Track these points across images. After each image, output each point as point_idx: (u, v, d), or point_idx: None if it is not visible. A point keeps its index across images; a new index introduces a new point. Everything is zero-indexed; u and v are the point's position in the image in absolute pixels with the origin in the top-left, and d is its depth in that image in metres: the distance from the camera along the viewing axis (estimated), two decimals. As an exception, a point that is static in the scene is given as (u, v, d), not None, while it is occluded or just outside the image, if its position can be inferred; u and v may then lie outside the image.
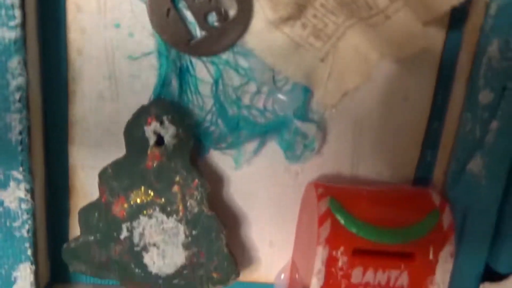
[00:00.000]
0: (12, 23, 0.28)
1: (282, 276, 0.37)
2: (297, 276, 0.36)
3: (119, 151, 0.33)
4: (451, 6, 0.28)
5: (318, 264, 0.30)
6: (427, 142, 0.35)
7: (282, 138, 0.34)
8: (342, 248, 0.31)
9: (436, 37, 0.33)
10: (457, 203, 0.33)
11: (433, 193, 0.33)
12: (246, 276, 0.36)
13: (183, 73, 0.33)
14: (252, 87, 0.34)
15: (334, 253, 0.30)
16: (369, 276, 0.31)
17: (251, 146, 0.35)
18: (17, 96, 0.29)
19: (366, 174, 0.36)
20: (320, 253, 0.30)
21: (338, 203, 0.31)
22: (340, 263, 0.31)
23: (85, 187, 0.35)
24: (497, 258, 0.34)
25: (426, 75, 0.34)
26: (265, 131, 0.34)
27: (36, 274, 0.33)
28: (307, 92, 0.34)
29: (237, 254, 0.35)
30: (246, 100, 0.34)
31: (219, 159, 0.35)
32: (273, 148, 0.35)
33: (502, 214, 0.33)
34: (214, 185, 0.35)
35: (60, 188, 0.34)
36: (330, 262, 0.31)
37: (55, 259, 0.35)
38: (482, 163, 0.32)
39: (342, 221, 0.31)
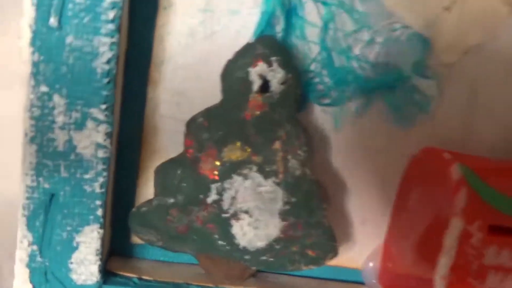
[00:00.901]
0: None
1: (371, 264, 0.33)
2: (390, 265, 0.31)
3: (209, 100, 0.28)
4: None
5: (451, 240, 0.26)
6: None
7: (394, 96, 0.30)
8: (478, 223, 0.26)
9: None
10: None
11: None
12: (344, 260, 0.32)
13: (290, 13, 0.29)
14: (366, 35, 0.29)
15: (469, 228, 0.26)
16: (505, 257, 0.27)
17: (356, 104, 0.30)
18: (111, 15, 0.24)
19: (479, 145, 0.32)
20: (455, 227, 0.26)
21: (471, 171, 0.27)
22: (473, 240, 0.26)
23: (162, 141, 0.29)
24: None
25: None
26: (374, 88, 0.30)
27: (103, 241, 0.27)
28: (427, 44, 0.30)
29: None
30: (356, 50, 0.29)
31: (318, 116, 0.30)
32: (380, 108, 0.30)
33: None
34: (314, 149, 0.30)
35: (131, 138, 0.29)
36: (464, 238, 0.26)
37: (115, 226, 0.30)
38: None
39: (479, 192, 0.27)
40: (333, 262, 0.32)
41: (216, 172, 0.27)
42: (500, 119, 0.32)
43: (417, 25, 0.29)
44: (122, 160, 0.29)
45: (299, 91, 0.28)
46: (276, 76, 0.27)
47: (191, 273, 0.30)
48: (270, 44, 0.27)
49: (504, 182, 0.27)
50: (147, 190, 0.29)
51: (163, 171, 0.28)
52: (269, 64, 0.27)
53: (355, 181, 0.31)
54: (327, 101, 0.30)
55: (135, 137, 0.29)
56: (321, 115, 0.30)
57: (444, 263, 0.27)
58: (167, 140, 0.29)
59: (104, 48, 0.24)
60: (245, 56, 0.27)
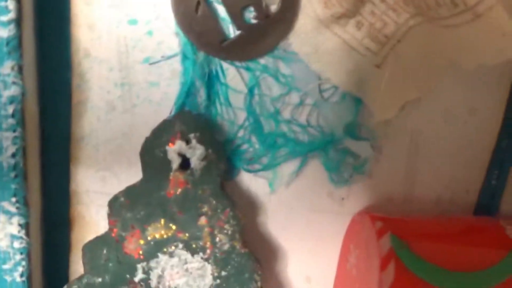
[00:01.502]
0: (4, 18, 0.22)
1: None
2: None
3: (134, 175, 0.27)
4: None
5: (379, 316, 0.25)
6: (494, 162, 0.30)
7: (328, 157, 0.29)
8: (408, 297, 0.26)
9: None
10: (536, 237, 0.28)
11: (507, 226, 0.28)
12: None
13: (211, 81, 0.28)
14: (294, 98, 0.28)
15: (399, 303, 0.26)
16: (438, 329, 0.26)
17: (289, 167, 0.29)
18: (10, 110, 0.23)
19: (422, 200, 0.31)
20: (382, 304, 0.25)
21: (402, 241, 0.26)
22: (407, 315, 0.26)
23: (90, 218, 0.29)
24: None
25: (497, 85, 0.29)
26: (307, 150, 0.29)
27: (32, 325, 0.27)
28: (359, 104, 0.29)
29: (273, 296, 0.30)
30: (286, 114, 0.28)
31: (251, 182, 0.30)
32: (315, 169, 0.29)
33: None
34: (245, 213, 0.30)
35: (59, 219, 0.28)
36: (395, 313, 0.26)
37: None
38: None
39: (408, 265, 0.26)
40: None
41: (141, 252, 0.27)
42: (443, 170, 0.30)
43: (347, 85, 0.28)
44: (52, 236, 0.29)
45: (222, 165, 0.27)
46: (196, 153, 0.26)
47: None
48: (188, 119, 0.26)
49: (430, 249, 0.26)
50: (80, 266, 0.29)
51: (89, 250, 0.28)
52: (187, 141, 0.26)
53: (294, 242, 0.31)
54: (258, 167, 0.29)
55: (64, 212, 0.29)
56: (255, 180, 0.30)
57: None
58: (96, 214, 0.29)
59: (7, 143, 0.23)
60: (162, 134, 0.26)
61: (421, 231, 0.27)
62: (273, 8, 0.26)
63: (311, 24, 0.27)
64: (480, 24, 0.24)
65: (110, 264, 0.27)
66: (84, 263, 0.28)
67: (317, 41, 0.27)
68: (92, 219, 0.29)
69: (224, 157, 0.27)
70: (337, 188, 0.30)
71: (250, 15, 0.26)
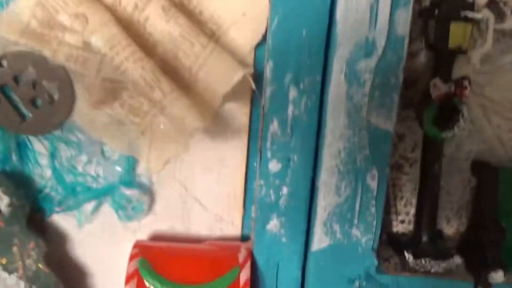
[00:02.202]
0: None
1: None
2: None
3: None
4: (225, 91, 0.32)
5: (127, 319, 0.35)
6: (248, 201, 0.39)
7: (114, 200, 0.39)
8: (148, 306, 0.35)
9: (244, 111, 0.37)
10: (261, 257, 0.36)
11: (242, 249, 0.37)
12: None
13: (22, 148, 0.38)
14: (84, 158, 0.38)
15: (141, 310, 0.35)
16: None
17: (89, 207, 0.39)
18: None
19: (198, 230, 0.40)
20: (128, 311, 0.35)
21: (148, 262, 0.35)
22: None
23: None
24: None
25: (240, 144, 0.38)
26: (98, 194, 0.39)
27: None
28: (132, 161, 0.38)
29: (81, 304, 0.40)
30: (80, 169, 0.38)
31: (63, 219, 0.39)
32: (109, 208, 0.39)
33: (305, 265, 0.37)
34: (60, 243, 0.40)
35: None
36: (142, 316, 0.35)
37: None
38: (279, 223, 0.36)
39: (148, 281, 0.35)
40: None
41: None
42: (208, 208, 0.39)
43: (121, 148, 0.37)
44: None
45: (27, 209, 0.37)
46: (3, 201, 0.36)
47: None
48: (4, 180, 0.36)
49: (172, 268, 0.35)
50: None
51: None
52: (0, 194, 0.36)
53: (101, 266, 0.40)
54: (64, 207, 0.39)
55: None
56: (66, 218, 0.39)
57: None
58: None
59: None
60: None
61: (171, 254, 0.36)
62: (56, 96, 0.36)
63: (87, 106, 0.37)
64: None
65: (-46, 282, 0.38)
66: None
67: (94, 118, 0.37)
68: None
69: (28, 203, 0.37)
70: (129, 222, 0.40)
71: (39, 102, 0.36)
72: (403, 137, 0.37)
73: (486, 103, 0.37)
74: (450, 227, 0.39)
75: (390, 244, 0.38)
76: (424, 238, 0.36)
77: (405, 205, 0.39)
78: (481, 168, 0.36)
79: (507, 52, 0.35)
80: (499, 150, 0.38)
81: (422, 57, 0.35)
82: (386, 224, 0.40)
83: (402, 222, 0.39)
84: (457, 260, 0.35)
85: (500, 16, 0.35)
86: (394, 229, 0.39)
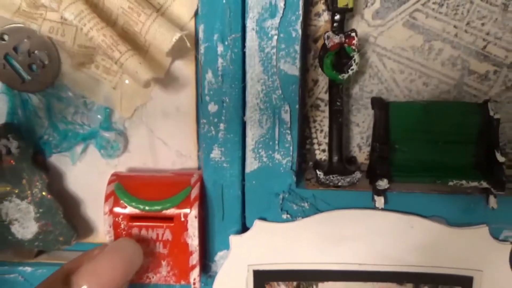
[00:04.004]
0: None
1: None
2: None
3: (-10, 159, 0.49)
4: (168, 50, 0.42)
5: (107, 227, 0.46)
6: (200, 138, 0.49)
7: (97, 142, 0.49)
8: (121, 215, 0.46)
9: (190, 67, 0.47)
10: (209, 180, 0.47)
11: (194, 175, 0.47)
12: (86, 239, 0.52)
13: (24, 104, 0.49)
14: (72, 109, 0.49)
15: (117, 219, 0.46)
16: (144, 233, 0.46)
17: (79, 148, 0.50)
18: None
19: (163, 164, 0.50)
20: (107, 219, 0.45)
21: (121, 185, 0.46)
22: (122, 225, 0.46)
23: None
24: (246, 216, 0.48)
25: (189, 93, 0.48)
26: (85, 138, 0.49)
27: None
28: (108, 110, 0.48)
29: (78, 224, 0.51)
30: (69, 118, 0.49)
31: (60, 159, 0.51)
32: (94, 148, 0.50)
33: (243, 187, 0.47)
34: (58, 177, 0.51)
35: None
36: (116, 225, 0.46)
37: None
38: (220, 152, 0.46)
39: (121, 198, 0.46)
40: (88, 240, 0.53)
41: None
42: (172, 145, 0.50)
43: (99, 100, 0.48)
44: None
45: (31, 150, 0.48)
46: (13, 144, 0.47)
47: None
48: (7, 127, 0.48)
49: (140, 190, 0.46)
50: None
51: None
52: (7, 138, 0.47)
53: (91, 195, 0.51)
54: (60, 150, 0.50)
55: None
56: (62, 157, 0.50)
57: (108, 240, 0.46)
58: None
59: None
60: None
61: (137, 180, 0.47)
62: (46, 62, 0.47)
63: (70, 68, 0.47)
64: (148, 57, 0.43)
65: (-19, 208, 0.50)
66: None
67: (76, 77, 0.48)
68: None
69: (31, 146, 0.48)
70: (110, 159, 0.50)
71: (34, 67, 0.47)
72: (317, 82, 0.47)
73: (380, 51, 0.45)
74: (362, 153, 0.49)
75: (314, 168, 0.48)
76: (334, 160, 0.46)
77: (324, 137, 0.48)
78: (376, 103, 0.45)
79: (392, 9, 0.44)
80: (394, 89, 0.47)
81: (325, 16, 0.45)
82: (310, 153, 0.49)
83: (324, 151, 0.49)
84: (358, 175, 0.45)
85: (385, -20, 0.44)
86: (318, 157, 0.49)
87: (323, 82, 0.47)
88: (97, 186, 0.51)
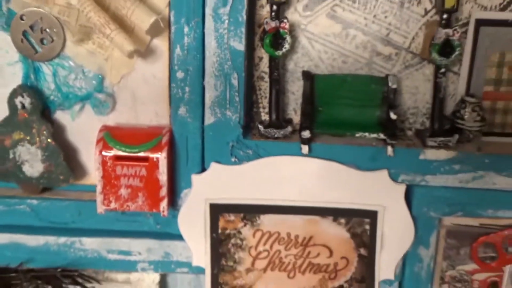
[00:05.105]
0: None
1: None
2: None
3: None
4: (147, 29, 0.56)
5: (97, 165, 0.59)
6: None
7: (91, 102, 0.63)
8: (108, 156, 0.59)
9: (165, 44, 0.61)
10: (176, 132, 0.60)
11: (165, 128, 0.61)
12: (81, 181, 0.66)
13: (36, 70, 0.63)
14: (73, 76, 0.63)
15: (105, 158, 0.59)
16: (125, 170, 0.60)
17: (77, 107, 0.64)
18: None
19: (144, 122, 0.64)
20: (97, 159, 0.59)
21: (109, 133, 0.60)
22: (109, 164, 0.59)
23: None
24: (204, 160, 0.61)
25: (163, 64, 0.61)
26: (82, 98, 0.63)
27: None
28: (100, 77, 0.62)
29: (74, 167, 0.64)
30: (71, 83, 0.63)
31: (63, 114, 0.64)
32: (89, 107, 0.64)
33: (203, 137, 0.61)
34: (61, 129, 0.64)
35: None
36: (104, 163, 0.59)
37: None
38: (185, 110, 0.59)
39: (108, 142, 0.59)
40: (83, 182, 0.66)
41: (9, 144, 0.62)
42: (149, 107, 0.63)
43: (94, 69, 0.62)
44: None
45: (40, 106, 0.62)
46: (27, 101, 0.61)
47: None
48: (22, 87, 0.61)
49: (124, 137, 0.60)
50: (-7, 155, 0.65)
51: (-8, 146, 0.64)
52: (23, 96, 0.61)
53: (90, 144, 0.65)
54: (62, 108, 0.63)
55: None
56: (64, 114, 0.64)
57: (97, 175, 0.60)
58: (-2, 132, 0.65)
59: None
60: (12, 94, 0.61)
61: (121, 130, 0.61)
62: (54, 37, 0.60)
63: (73, 43, 0.61)
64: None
65: (-1, 151, 0.63)
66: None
67: (77, 50, 0.61)
68: (-4, 135, 0.65)
69: (40, 103, 0.62)
70: (102, 116, 0.64)
71: (45, 41, 0.61)
72: (261, 59, 0.61)
73: (309, 35, 0.60)
74: (297, 116, 0.63)
75: (261, 125, 0.61)
76: (273, 118, 0.59)
77: (267, 102, 0.62)
78: (305, 75, 0.59)
79: (317, 3, 0.58)
80: (321, 65, 0.61)
81: (267, 8, 0.59)
82: (257, 114, 0.63)
83: (267, 113, 0.63)
84: (289, 129, 0.59)
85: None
86: (263, 118, 0.63)
87: (266, 58, 0.61)
88: (90, 137, 0.64)
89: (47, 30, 0.60)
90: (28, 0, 0.57)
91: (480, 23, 0.57)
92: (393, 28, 0.59)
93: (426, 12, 0.58)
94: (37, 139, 0.63)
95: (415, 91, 0.61)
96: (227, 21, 0.56)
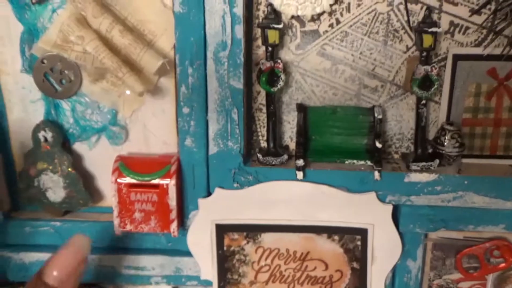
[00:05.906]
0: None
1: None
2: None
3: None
4: (155, 71, 0.62)
5: (113, 192, 0.66)
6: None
7: (107, 134, 0.70)
8: (123, 184, 0.66)
9: (172, 82, 0.67)
10: (184, 161, 0.67)
11: (174, 157, 0.67)
12: (98, 203, 0.72)
13: (56, 107, 0.69)
14: (89, 111, 0.69)
15: (120, 186, 0.66)
16: (139, 196, 0.66)
17: (94, 138, 0.70)
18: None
19: (154, 151, 0.70)
20: (113, 187, 0.66)
21: (123, 163, 0.67)
22: (124, 191, 0.66)
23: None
24: (209, 185, 0.67)
25: (171, 100, 0.68)
26: (98, 131, 0.70)
27: None
28: (115, 111, 0.69)
29: (93, 192, 0.71)
30: (87, 117, 0.69)
31: (81, 145, 0.71)
32: (105, 138, 0.70)
33: (208, 165, 0.67)
34: (79, 158, 0.71)
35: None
36: (119, 190, 0.66)
37: (12, 198, 0.73)
38: (191, 141, 0.66)
39: (123, 172, 0.66)
40: (100, 204, 0.73)
41: (34, 173, 0.69)
42: (159, 138, 0.69)
43: (108, 104, 0.68)
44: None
45: (61, 139, 0.68)
46: (48, 134, 0.68)
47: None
48: (45, 123, 0.68)
49: (137, 168, 0.66)
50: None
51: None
52: (45, 130, 0.67)
53: (104, 174, 0.71)
54: (80, 139, 0.70)
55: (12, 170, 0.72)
56: (83, 145, 0.71)
57: (113, 201, 0.66)
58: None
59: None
60: (36, 128, 0.68)
61: (134, 160, 0.67)
62: (72, 78, 0.67)
63: (89, 83, 0.67)
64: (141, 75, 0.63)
65: (26, 180, 0.70)
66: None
67: (92, 89, 0.68)
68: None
69: (61, 136, 0.68)
70: (116, 146, 0.70)
71: (63, 81, 0.67)
72: (259, 93, 0.67)
73: (302, 71, 0.65)
74: (293, 143, 0.69)
75: (257, 152, 0.67)
76: (270, 146, 0.65)
77: (266, 131, 0.68)
78: (299, 107, 0.65)
79: (308, 43, 0.64)
80: (313, 98, 0.66)
81: (263, 48, 0.64)
82: (257, 142, 0.69)
83: (265, 141, 0.69)
84: (285, 157, 0.65)
85: (302, 22, 0.63)
86: (262, 145, 0.69)
87: (263, 92, 0.67)
88: (106, 164, 0.71)
89: (66, 71, 0.66)
90: (48, 47, 0.63)
91: (457, 57, 0.63)
92: (378, 63, 0.64)
93: (408, 49, 0.64)
94: (59, 168, 0.70)
95: (400, 119, 0.67)
96: (226, 63, 0.62)
